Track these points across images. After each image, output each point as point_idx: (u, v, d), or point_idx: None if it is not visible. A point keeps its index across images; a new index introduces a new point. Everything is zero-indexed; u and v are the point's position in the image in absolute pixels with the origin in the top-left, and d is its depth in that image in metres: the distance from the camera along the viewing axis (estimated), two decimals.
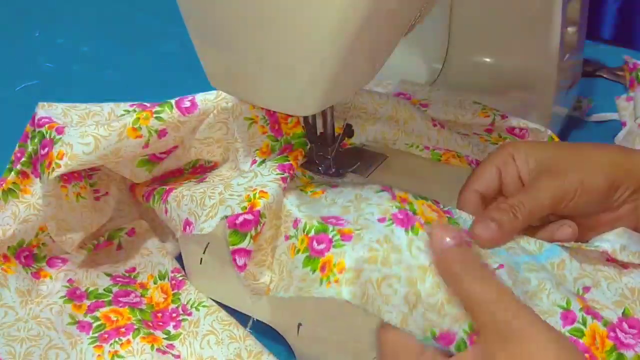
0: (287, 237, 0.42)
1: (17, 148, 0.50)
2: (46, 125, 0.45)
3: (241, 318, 0.46)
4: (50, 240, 0.49)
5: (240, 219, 0.40)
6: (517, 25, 0.58)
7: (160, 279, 0.49)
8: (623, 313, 0.40)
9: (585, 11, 0.61)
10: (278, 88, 0.36)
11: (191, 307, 0.47)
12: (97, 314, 0.47)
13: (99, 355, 0.44)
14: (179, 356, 0.45)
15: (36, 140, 0.46)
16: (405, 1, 0.35)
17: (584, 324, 0.39)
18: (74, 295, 0.48)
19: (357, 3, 0.31)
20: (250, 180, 0.43)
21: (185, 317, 0.47)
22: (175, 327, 0.47)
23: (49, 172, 0.43)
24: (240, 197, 0.41)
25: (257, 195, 0.41)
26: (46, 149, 0.44)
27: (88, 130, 0.44)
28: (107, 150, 0.44)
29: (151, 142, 0.45)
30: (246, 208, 0.40)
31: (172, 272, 0.49)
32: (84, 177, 0.48)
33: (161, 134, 0.45)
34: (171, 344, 0.46)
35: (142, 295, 0.49)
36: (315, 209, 0.42)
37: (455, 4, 0.59)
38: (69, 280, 0.49)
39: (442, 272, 0.37)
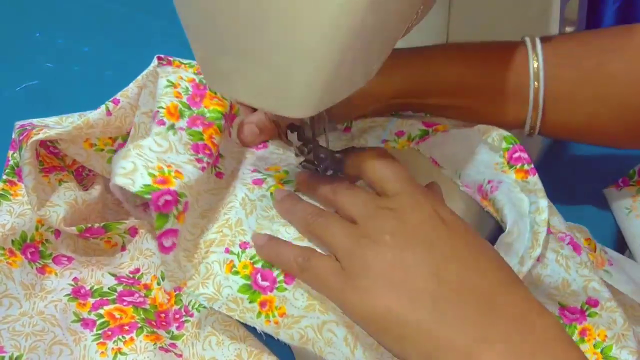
0: (228, 251, 0.43)
1: (3, 177, 0.52)
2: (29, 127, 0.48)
3: None
4: (54, 238, 0.50)
5: (162, 200, 0.39)
6: (515, 26, 0.58)
7: (163, 280, 0.50)
8: (560, 305, 0.43)
9: (584, 11, 0.61)
10: (275, 90, 0.36)
11: (192, 308, 0.47)
12: (101, 311, 0.47)
13: (102, 352, 0.45)
14: (181, 355, 0.45)
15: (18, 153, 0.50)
16: (401, 3, 0.35)
17: None
18: (78, 293, 0.49)
19: (352, 6, 0.31)
20: (165, 151, 0.42)
21: (188, 318, 0.47)
22: (178, 328, 0.47)
23: (27, 143, 0.46)
24: (151, 162, 0.40)
25: (172, 174, 0.40)
26: (25, 133, 0.47)
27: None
28: (79, 121, 0.48)
29: (111, 109, 0.49)
30: (155, 177, 0.39)
31: None
32: (66, 170, 0.50)
33: (115, 101, 0.50)
34: (174, 344, 0.46)
35: (146, 296, 0.49)
36: (271, 229, 0.43)
37: (453, 4, 0.60)
38: (74, 279, 0.49)
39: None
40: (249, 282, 0.41)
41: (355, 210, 0.40)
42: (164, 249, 0.40)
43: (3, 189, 0.50)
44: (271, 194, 0.45)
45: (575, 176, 0.52)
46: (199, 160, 0.42)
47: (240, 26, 0.34)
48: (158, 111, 0.44)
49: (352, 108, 0.49)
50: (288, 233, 0.43)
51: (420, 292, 0.35)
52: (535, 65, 0.46)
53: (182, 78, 0.46)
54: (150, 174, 0.39)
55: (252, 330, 0.46)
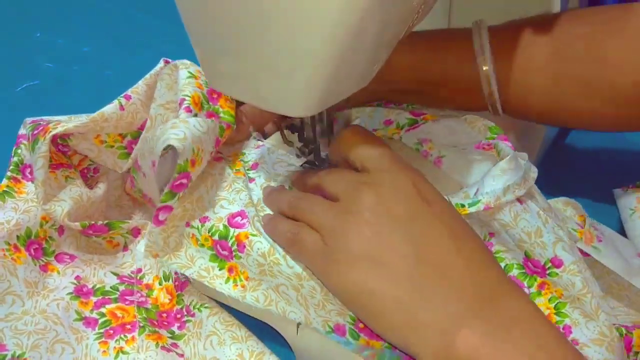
0: (188, 225, 0.46)
1: (8, 173, 0.52)
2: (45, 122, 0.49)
3: (243, 318, 0.47)
4: (57, 235, 0.50)
5: (178, 181, 0.42)
6: None
7: (165, 280, 0.49)
8: (525, 255, 0.43)
9: None
10: (277, 90, 0.36)
11: (194, 308, 0.48)
12: (103, 310, 0.47)
13: (104, 351, 0.45)
14: (182, 355, 0.45)
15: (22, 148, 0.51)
16: (402, 4, 0.35)
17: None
18: (81, 292, 0.49)
19: (352, 7, 0.31)
20: (205, 133, 0.44)
21: (189, 318, 0.47)
22: (179, 328, 0.47)
23: (45, 137, 0.47)
24: (195, 138, 0.43)
25: (200, 159, 0.43)
26: (40, 128, 0.48)
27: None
28: (96, 115, 0.49)
29: (124, 104, 0.51)
30: (194, 153, 0.42)
31: (176, 273, 0.49)
32: (73, 167, 0.51)
33: (126, 97, 0.51)
34: (175, 343, 0.46)
35: (147, 296, 0.49)
36: (228, 199, 0.46)
37: (454, 4, 0.60)
38: (77, 277, 0.49)
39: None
40: (214, 252, 0.44)
41: (338, 187, 0.40)
42: (157, 222, 0.44)
43: (8, 186, 0.50)
44: (229, 166, 0.48)
45: (577, 176, 0.52)
46: (211, 153, 0.45)
47: (242, 27, 0.34)
48: (184, 99, 0.46)
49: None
50: (241, 199, 0.45)
51: (398, 270, 0.36)
52: (481, 51, 0.48)
53: (200, 72, 0.48)
54: (193, 150, 0.42)
55: (253, 330, 0.46)
